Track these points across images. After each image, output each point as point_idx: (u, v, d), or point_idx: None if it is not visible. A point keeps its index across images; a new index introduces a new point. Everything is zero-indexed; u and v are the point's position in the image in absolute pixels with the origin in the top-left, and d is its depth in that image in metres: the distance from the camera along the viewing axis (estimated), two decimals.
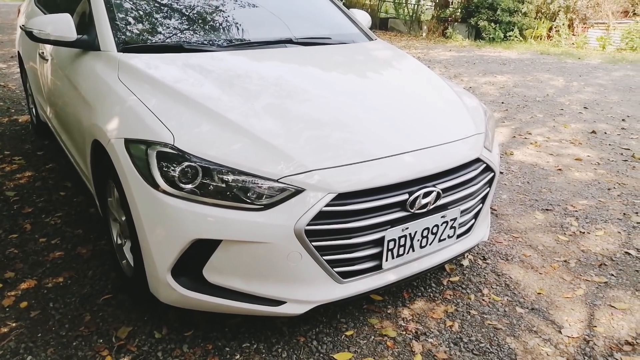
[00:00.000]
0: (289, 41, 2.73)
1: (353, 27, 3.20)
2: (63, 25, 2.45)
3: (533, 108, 6.27)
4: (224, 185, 1.76)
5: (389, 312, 2.30)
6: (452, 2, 15.11)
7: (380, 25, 16.30)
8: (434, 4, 15.51)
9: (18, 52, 4.47)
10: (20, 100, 5.78)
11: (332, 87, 2.36)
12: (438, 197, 1.98)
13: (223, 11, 2.82)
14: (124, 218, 2.14)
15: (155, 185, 1.78)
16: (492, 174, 2.29)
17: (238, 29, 2.73)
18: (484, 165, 2.22)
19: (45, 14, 3.46)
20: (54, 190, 3.45)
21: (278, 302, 1.87)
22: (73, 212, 3.13)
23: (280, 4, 3.14)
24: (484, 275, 2.61)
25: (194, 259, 1.82)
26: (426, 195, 1.94)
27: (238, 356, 2.00)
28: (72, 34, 2.45)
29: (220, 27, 2.71)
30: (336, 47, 2.89)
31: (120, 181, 1.93)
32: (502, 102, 6.53)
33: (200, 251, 1.80)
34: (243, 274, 1.83)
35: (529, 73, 8.78)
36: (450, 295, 2.43)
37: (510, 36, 13.04)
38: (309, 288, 1.87)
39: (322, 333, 2.15)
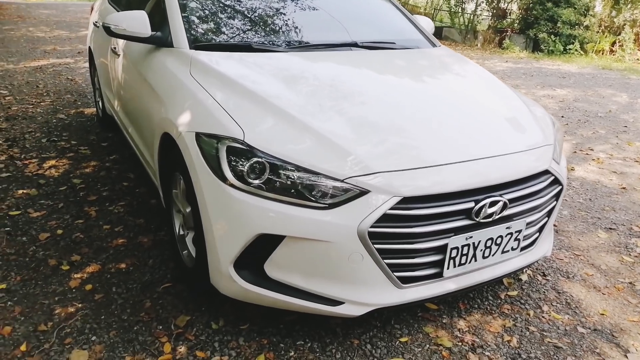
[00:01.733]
0: (354, 45, 2.75)
1: (417, 33, 3.18)
2: (138, 22, 2.54)
3: (595, 124, 6.04)
4: (290, 182, 1.78)
5: (444, 321, 2.26)
6: (510, 13, 14.78)
7: (435, 34, 16.07)
8: (491, 14, 15.19)
9: (89, 47, 4.68)
10: (87, 94, 6.05)
11: (398, 91, 2.35)
12: (504, 207, 1.94)
13: (290, 14, 2.86)
14: (188, 210, 2.20)
15: (224, 179, 1.82)
16: (560, 187, 2.22)
17: (305, 31, 2.76)
18: (552, 177, 2.16)
19: (117, 11, 3.62)
20: (117, 180, 3.59)
21: (336, 302, 1.87)
22: (135, 202, 3.25)
23: (346, 9, 3.16)
24: (544, 292, 2.52)
25: (256, 254, 1.85)
26: (492, 204, 1.90)
27: (292, 353, 2.02)
28: (146, 31, 2.54)
29: (288, 29, 2.75)
30: (400, 51, 2.88)
31: (189, 173, 1.99)
32: (562, 116, 6.32)
33: (263, 246, 1.82)
34: (304, 272, 1.84)
35: (590, 88, 8.46)
36: (508, 309, 2.36)
37: (570, 49, 12.62)
38: (368, 290, 1.86)
39: (376, 337, 2.13)
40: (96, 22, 4.26)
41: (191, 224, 2.20)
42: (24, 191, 3.33)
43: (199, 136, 1.95)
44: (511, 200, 1.96)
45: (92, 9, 4.97)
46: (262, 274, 1.87)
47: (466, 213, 1.88)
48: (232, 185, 1.81)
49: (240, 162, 1.81)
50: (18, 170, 3.66)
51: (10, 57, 8.11)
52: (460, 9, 15.76)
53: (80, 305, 2.25)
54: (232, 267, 1.89)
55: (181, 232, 2.40)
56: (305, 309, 1.90)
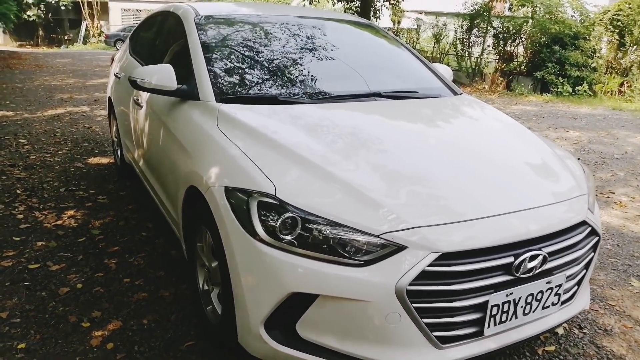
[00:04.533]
0: (378, 94, 2.75)
1: (438, 82, 3.19)
2: (165, 75, 2.57)
3: (612, 166, 5.98)
4: (322, 237, 1.73)
5: None
6: (516, 56, 14.99)
7: None
8: (498, 57, 15.42)
9: (109, 97, 4.75)
10: (103, 142, 6.10)
11: (425, 142, 2.33)
12: (544, 261, 1.87)
13: (316, 66, 2.89)
14: (214, 264, 2.15)
15: (254, 234, 1.78)
16: (597, 238, 2.15)
17: (330, 83, 2.78)
18: (590, 228, 2.10)
19: (141, 63, 3.68)
20: (136, 230, 3.55)
21: None
22: (155, 254, 3.20)
23: (368, 60, 3.18)
24: (582, 347, 2.41)
25: (288, 313, 1.78)
26: (532, 259, 1.84)
27: None
28: (173, 84, 2.56)
29: (314, 81, 2.76)
30: (423, 100, 2.88)
31: (217, 228, 1.95)
32: (578, 159, 6.26)
33: (295, 305, 1.75)
34: (338, 332, 1.76)
35: (603, 129, 8.45)
36: None
37: (578, 91, 12.70)
38: (406, 351, 1.77)
39: None
40: (117, 73, 4.34)
41: (217, 280, 2.14)
42: (43, 243, 3.30)
43: (228, 190, 1.92)
44: (550, 254, 1.90)
45: (112, 59, 5.08)
46: (294, 334, 1.80)
47: (506, 268, 1.81)
48: (262, 241, 1.77)
49: (272, 217, 1.77)
50: (37, 222, 3.64)
51: (28, 106, 8.26)
52: (467, 53, 16.01)
53: None
54: (262, 327, 1.81)
55: (205, 288, 2.33)
56: None
